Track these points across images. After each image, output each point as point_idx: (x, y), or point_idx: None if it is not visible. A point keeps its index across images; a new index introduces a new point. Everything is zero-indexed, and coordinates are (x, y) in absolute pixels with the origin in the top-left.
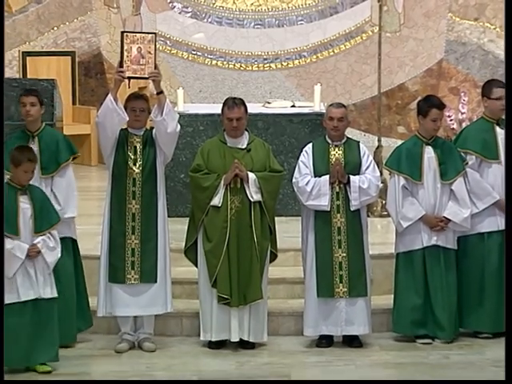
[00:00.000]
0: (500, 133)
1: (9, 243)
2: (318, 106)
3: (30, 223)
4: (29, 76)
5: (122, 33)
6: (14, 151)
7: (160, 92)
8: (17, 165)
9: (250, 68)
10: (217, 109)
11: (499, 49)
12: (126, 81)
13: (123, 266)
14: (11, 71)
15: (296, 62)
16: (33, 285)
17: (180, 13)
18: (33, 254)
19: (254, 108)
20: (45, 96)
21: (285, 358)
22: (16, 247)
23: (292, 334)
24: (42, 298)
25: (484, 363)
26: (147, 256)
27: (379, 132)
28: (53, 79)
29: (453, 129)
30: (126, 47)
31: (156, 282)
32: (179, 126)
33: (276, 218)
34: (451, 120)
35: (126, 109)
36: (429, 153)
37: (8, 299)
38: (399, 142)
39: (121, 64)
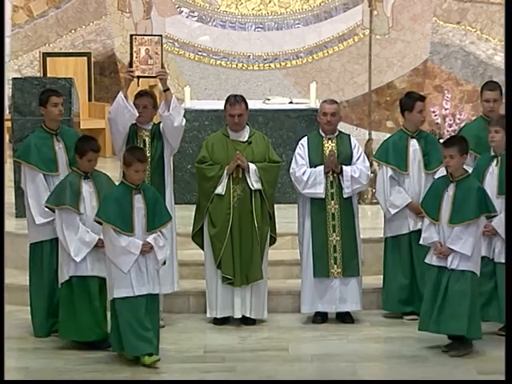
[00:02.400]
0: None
1: (124, 240)
2: (313, 102)
3: (143, 221)
4: (49, 75)
5: (132, 36)
6: (126, 152)
7: (167, 89)
8: (128, 165)
9: (251, 68)
10: (221, 105)
11: (479, 50)
12: (136, 79)
13: None
14: (33, 71)
15: (293, 62)
16: (145, 281)
17: (187, 17)
18: (146, 249)
19: (254, 104)
20: (63, 93)
21: (283, 333)
22: (131, 244)
23: (290, 311)
24: (151, 293)
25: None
26: None
27: (370, 126)
28: (70, 78)
29: (437, 123)
30: (135, 49)
31: (164, 263)
32: (185, 121)
33: (275, 205)
34: (435, 115)
35: (135, 105)
36: (413, 145)
37: (123, 293)
38: (388, 136)
39: (130, 64)
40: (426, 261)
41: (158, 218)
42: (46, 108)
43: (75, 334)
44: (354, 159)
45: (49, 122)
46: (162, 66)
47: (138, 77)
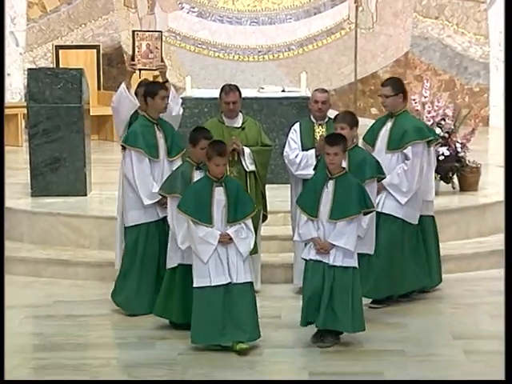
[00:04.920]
0: (387, 124)
1: (201, 231)
2: (304, 91)
3: (224, 213)
4: (61, 66)
5: (133, 32)
6: (207, 146)
7: (166, 81)
8: (209, 159)
9: (247, 59)
10: (219, 93)
11: (456, 43)
12: (137, 72)
13: None
14: (46, 62)
15: (285, 54)
16: (224, 271)
17: (188, 12)
18: (224, 240)
19: (249, 93)
20: (74, 82)
21: (276, 303)
22: (208, 234)
23: (282, 283)
24: (235, 283)
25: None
26: None
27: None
28: (81, 68)
29: (417, 110)
30: (136, 43)
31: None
32: (182, 110)
33: (268, 186)
34: (416, 102)
35: (136, 95)
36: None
37: (200, 283)
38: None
39: (132, 58)
40: (302, 256)
41: (240, 210)
42: (153, 100)
43: (173, 316)
44: None
45: (152, 112)
46: (162, 60)
47: (140, 69)
